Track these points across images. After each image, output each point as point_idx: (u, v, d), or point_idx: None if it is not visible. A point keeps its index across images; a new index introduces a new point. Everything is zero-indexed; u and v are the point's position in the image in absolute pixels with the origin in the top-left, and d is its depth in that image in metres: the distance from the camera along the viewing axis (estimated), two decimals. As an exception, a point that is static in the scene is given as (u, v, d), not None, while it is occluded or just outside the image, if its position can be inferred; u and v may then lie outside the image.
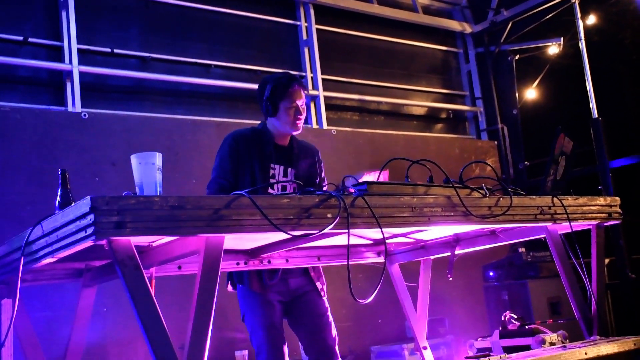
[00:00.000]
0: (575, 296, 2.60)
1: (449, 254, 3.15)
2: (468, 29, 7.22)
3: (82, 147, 4.44)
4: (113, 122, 4.66)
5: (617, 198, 2.78)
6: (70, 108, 4.66)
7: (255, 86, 5.49)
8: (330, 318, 3.04)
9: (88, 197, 1.60)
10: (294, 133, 2.99)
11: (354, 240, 3.15)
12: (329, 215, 1.97)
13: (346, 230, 2.01)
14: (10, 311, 2.06)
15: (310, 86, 6.02)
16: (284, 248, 2.73)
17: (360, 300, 2.10)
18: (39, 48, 4.74)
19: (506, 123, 7.02)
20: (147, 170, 1.83)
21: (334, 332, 3.02)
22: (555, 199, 2.56)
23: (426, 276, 3.41)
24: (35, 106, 4.53)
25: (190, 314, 1.79)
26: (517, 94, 6.95)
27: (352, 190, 2.16)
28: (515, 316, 3.31)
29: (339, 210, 1.98)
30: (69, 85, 4.69)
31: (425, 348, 3.35)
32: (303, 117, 2.95)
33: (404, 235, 3.13)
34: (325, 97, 6.07)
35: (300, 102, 2.93)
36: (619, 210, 2.78)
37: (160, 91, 5.22)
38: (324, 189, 2.98)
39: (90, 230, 1.60)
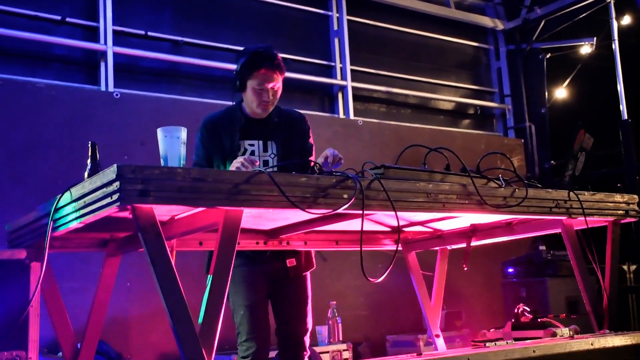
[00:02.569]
0: (587, 290, 2.63)
1: (465, 244, 3.18)
2: (500, 25, 7.20)
3: (113, 125, 4.57)
4: (144, 103, 4.78)
5: (635, 196, 2.79)
6: (103, 87, 4.78)
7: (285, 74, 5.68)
8: (308, 307, 2.94)
9: (115, 165, 1.69)
10: (260, 114, 2.84)
11: (372, 227, 3.21)
12: (345, 196, 2.02)
13: (361, 212, 2.06)
14: (38, 273, 2.17)
15: (339, 76, 6.08)
16: (302, 229, 2.80)
17: (372, 279, 2.15)
18: (75, 28, 4.88)
19: (534, 122, 7.00)
20: (172, 143, 1.91)
21: (308, 322, 2.93)
22: (571, 193, 2.58)
23: (443, 266, 3.45)
24: (69, 84, 4.67)
25: (207, 288, 1.86)
26: (546, 93, 6.92)
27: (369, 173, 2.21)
28: (529, 309, 3.35)
29: (355, 191, 2.03)
30: (102, 65, 4.82)
31: (438, 336, 3.39)
32: (272, 99, 2.80)
33: (422, 224, 3.18)
34: (353, 88, 6.12)
35: (271, 84, 2.75)
36: (636, 208, 2.79)
37: (191, 75, 5.32)
38: (311, 158, 2.84)
39: (115, 197, 1.68)
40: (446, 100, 6.92)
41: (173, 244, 2.33)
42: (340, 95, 6.06)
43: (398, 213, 2.19)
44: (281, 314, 2.95)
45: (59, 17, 4.75)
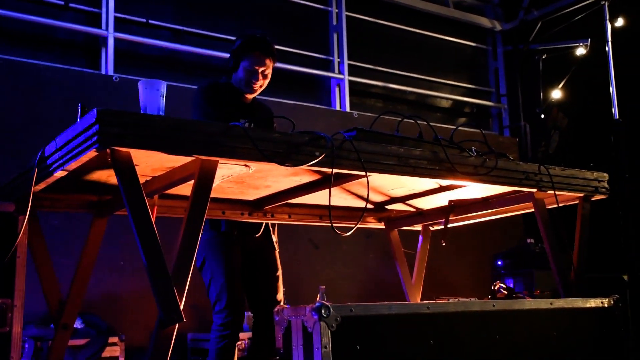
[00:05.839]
0: (556, 261, 2.71)
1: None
2: (498, 26, 7.31)
3: (111, 107, 4.68)
4: (142, 87, 4.89)
5: (605, 174, 2.88)
6: (103, 71, 4.91)
7: (283, 65, 5.81)
8: (280, 279, 3.12)
9: (94, 109, 1.80)
10: (247, 94, 3.10)
11: (355, 203, 3.31)
12: (317, 154, 2.12)
13: (331, 169, 2.15)
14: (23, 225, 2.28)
15: (336, 70, 6.19)
16: (285, 200, 2.90)
17: (340, 232, 2.24)
18: (78, 13, 5.02)
19: (529, 121, 7.09)
20: (152, 95, 2.01)
21: (281, 292, 3.11)
22: (542, 167, 2.68)
23: (425, 244, 3.55)
24: (70, 67, 4.79)
25: (180, 233, 1.95)
26: (542, 94, 7.00)
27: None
28: (505, 286, 3.44)
29: (326, 149, 2.13)
30: (103, 50, 4.95)
31: (417, 313, 3.47)
32: (260, 82, 3.05)
33: (402, 201, 3.28)
34: (351, 82, 6.24)
35: (261, 68, 3.01)
36: (606, 185, 2.87)
37: (190, 63, 5.45)
38: None
39: (94, 139, 1.79)
40: (443, 97, 7.02)
41: (153, 202, 2.43)
42: (337, 89, 6.18)
43: (372, 180, 2.29)
44: (260, 283, 3.08)
45: (62, 2, 4.89)
